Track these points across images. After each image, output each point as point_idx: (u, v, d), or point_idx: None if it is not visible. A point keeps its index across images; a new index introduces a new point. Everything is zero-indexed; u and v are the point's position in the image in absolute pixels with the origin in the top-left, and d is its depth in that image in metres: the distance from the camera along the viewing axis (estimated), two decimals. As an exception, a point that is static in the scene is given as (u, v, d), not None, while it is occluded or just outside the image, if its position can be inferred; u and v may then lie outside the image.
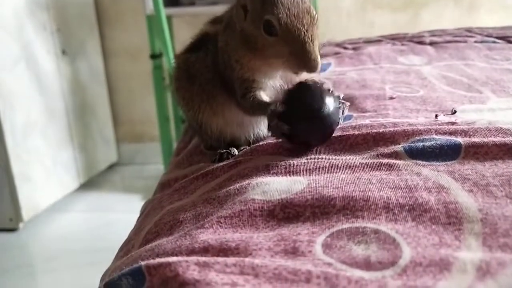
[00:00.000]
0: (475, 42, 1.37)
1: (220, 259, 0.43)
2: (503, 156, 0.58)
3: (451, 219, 0.46)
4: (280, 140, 0.67)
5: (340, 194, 0.51)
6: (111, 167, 2.74)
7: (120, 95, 2.74)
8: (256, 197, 0.53)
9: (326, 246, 0.44)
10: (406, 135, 0.65)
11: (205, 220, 0.52)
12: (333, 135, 0.67)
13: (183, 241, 0.48)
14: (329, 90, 0.66)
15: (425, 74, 1.05)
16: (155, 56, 2.27)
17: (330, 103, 0.63)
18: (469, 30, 1.55)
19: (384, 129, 0.67)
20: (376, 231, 0.45)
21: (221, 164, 0.68)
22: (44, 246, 1.94)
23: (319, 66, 0.64)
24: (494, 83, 0.95)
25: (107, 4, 2.61)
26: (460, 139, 0.62)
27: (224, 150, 0.73)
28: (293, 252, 0.44)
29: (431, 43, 1.38)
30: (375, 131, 0.67)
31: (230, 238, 0.47)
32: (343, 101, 0.69)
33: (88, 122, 2.51)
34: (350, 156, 0.63)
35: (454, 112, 0.76)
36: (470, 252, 0.41)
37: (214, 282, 0.40)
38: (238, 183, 0.59)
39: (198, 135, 0.84)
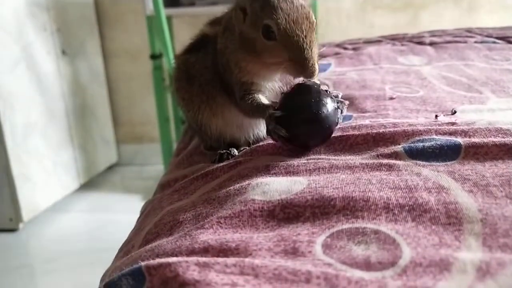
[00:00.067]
0: (475, 42, 1.36)
1: (220, 259, 0.43)
2: (503, 156, 0.58)
3: (451, 219, 0.46)
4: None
5: (340, 195, 0.51)
6: (111, 167, 2.74)
7: (120, 95, 2.74)
8: (256, 198, 0.53)
9: (326, 247, 0.44)
10: (406, 135, 0.65)
11: (205, 220, 0.52)
12: (333, 135, 0.67)
13: (183, 241, 0.48)
14: (326, 91, 0.66)
15: (425, 75, 1.05)
16: (155, 57, 2.27)
17: (327, 105, 0.63)
18: (469, 30, 1.55)
19: (384, 130, 0.67)
20: (376, 232, 0.45)
21: (221, 164, 0.68)
22: (44, 247, 1.94)
23: (317, 72, 0.64)
24: (494, 84, 0.95)
25: (107, 5, 2.61)
26: (460, 140, 0.62)
27: (224, 151, 0.73)
28: (293, 252, 0.44)
29: (431, 44, 1.38)
30: (375, 131, 0.67)
31: (230, 238, 0.47)
32: (341, 100, 0.68)
33: (88, 122, 2.51)
34: (350, 157, 0.63)
35: (454, 113, 0.76)
36: (470, 253, 0.41)
37: (214, 282, 0.40)
38: (238, 183, 0.59)
39: (198, 136, 0.85)
